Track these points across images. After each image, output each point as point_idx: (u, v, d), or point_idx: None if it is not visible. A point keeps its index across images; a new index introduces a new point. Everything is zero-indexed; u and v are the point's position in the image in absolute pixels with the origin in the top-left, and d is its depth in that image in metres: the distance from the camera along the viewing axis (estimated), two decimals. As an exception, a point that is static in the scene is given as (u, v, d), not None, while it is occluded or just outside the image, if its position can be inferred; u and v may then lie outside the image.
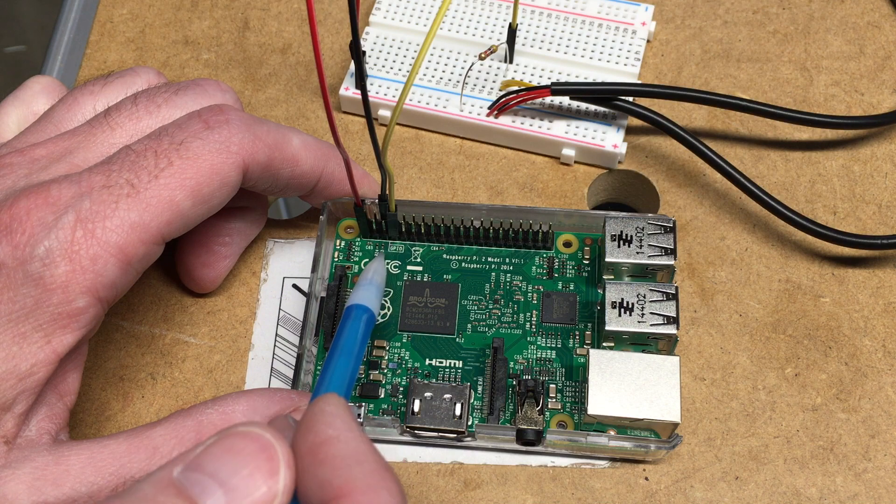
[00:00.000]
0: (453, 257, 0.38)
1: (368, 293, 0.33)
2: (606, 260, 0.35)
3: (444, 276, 0.37)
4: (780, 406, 0.35)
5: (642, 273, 0.36)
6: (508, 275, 0.37)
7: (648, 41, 0.43)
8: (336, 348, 0.31)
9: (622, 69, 0.41)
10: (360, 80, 0.30)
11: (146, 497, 0.23)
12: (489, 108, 0.41)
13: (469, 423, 0.34)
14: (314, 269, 0.36)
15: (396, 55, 0.42)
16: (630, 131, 0.41)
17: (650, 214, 0.35)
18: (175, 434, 0.30)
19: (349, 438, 0.24)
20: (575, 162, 0.41)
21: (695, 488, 0.34)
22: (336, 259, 0.38)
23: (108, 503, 0.23)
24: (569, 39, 0.42)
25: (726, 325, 0.37)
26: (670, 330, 0.34)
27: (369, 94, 0.41)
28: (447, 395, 0.34)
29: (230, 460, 0.23)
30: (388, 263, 0.37)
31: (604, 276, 0.36)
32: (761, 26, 0.44)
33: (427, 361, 0.36)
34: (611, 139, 0.40)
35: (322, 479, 0.24)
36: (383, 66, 0.42)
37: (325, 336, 0.35)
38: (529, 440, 0.33)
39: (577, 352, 0.35)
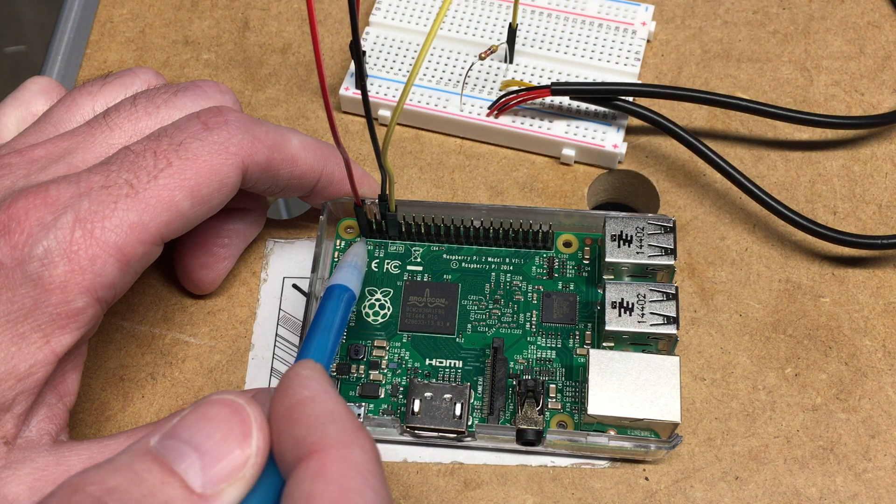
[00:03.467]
0: (453, 257, 0.38)
1: (349, 274, 0.34)
2: (606, 260, 0.35)
3: (444, 276, 0.37)
4: (780, 406, 0.35)
5: (642, 273, 0.36)
6: (508, 275, 0.37)
7: (648, 41, 0.43)
8: (316, 326, 0.31)
9: (622, 69, 0.41)
10: (360, 80, 0.30)
11: (123, 465, 0.23)
12: (489, 108, 0.41)
13: (469, 423, 0.34)
14: (314, 269, 0.36)
15: (396, 55, 0.42)
16: (630, 131, 0.41)
17: (650, 214, 0.35)
18: None
19: (324, 399, 0.25)
20: (575, 162, 0.41)
21: (695, 488, 0.34)
22: (336, 259, 0.38)
23: (84, 472, 0.23)
24: (569, 39, 0.42)
25: (726, 325, 0.37)
26: (670, 330, 0.34)
27: (369, 94, 0.41)
28: (447, 395, 0.34)
29: (204, 426, 0.24)
30: (387, 263, 0.37)
31: (604, 276, 0.36)
32: (761, 26, 0.44)
33: (427, 361, 0.36)
34: (611, 139, 0.40)
35: (297, 438, 0.24)
36: (383, 66, 0.42)
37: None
38: (529, 440, 0.33)
39: (577, 352, 0.35)
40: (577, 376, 0.35)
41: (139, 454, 0.24)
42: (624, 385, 0.33)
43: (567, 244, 0.38)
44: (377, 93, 0.41)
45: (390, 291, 0.37)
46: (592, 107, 0.41)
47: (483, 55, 0.41)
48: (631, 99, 0.40)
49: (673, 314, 0.34)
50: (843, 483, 0.34)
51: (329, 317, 0.32)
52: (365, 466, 0.24)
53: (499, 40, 0.42)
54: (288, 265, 0.39)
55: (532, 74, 0.42)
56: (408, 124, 0.42)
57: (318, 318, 0.32)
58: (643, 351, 0.34)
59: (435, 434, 0.34)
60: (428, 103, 0.41)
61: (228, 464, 0.24)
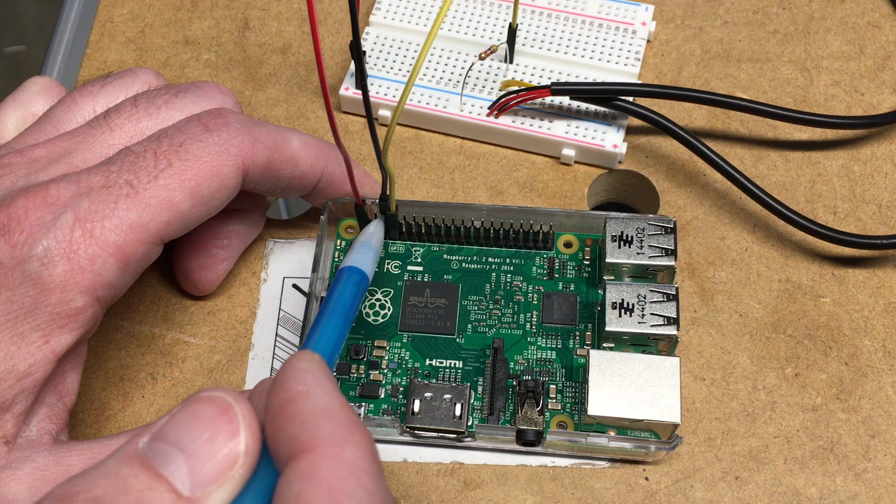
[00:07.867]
0: (453, 257, 0.38)
1: (363, 255, 0.33)
2: (607, 260, 0.35)
3: (445, 277, 0.37)
4: (780, 406, 0.35)
5: (643, 274, 0.35)
6: (509, 275, 0.37)
7: (648, 41, 0.43)
8: (325, 310, 0.30)
9: (622, 69, 0.41)
10: (361, 80, 0.30)
11: (110, 471, 0.23)
12: (489, 108, 0.41)
13: (469, 423, 0.34)
14: (314, 269, 0.36)
15: (396, 55, 0.42)
16: (630, 131, 0.41)
17: (650, 215, 0.35)
18: None
19: (319, 394, 0.24)
20: (575, 162, 0.41)
21: (695, 488, 0.34)
22: (336, 259, 0.38)
23: (71, 480, 0.23)
24: (569, 39, 0.42)
25: (726, 325, 0.37)
26: (670, 331, 0.34)
27: (369, 94, 0.41)
28: (447, 396, 0.34)
29: (191, 426, 0.23)
30: (387, 263, 0.37)
31: (604, 277, 0.36)
32: (761, 26, 0.44)
33: (427, 361, 0.36)
34: (611, 139, 0.40)
35: (290, 435, 0.23)
36: (383, 66, 0.42)
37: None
38: (529, 441, 0.33)
39: (578, 352, 0.35)
40: (578, 377, 0.35)
41: (126, 458, 0.23)
42: (624, 386, 0.33)
43: (567, 245, 0.38)
44: (377, 93, 0.41)
45: (390, 291, 0.37)
46: (592, 107, 0.41)
47: (483, 55, 0.41)
48: (631, 99, 0.40)
49: (673, 315, 0.34)
50: (843, 483, 0.34)
51: (338, 301, 0.30)
52: (358, 466, 0.23)
53: (499, 40, 0.42)
54: (288, 265, 0.39)
55: (532, 74, 0.42)
56: (408, 124, 0.42)
57: (326, 303, 0.30)
58: (643, 351, 0.34)
59: (435, 434, 0.34)
60: (428, 103, 0.41)
61: (216, 465, 0.23)
